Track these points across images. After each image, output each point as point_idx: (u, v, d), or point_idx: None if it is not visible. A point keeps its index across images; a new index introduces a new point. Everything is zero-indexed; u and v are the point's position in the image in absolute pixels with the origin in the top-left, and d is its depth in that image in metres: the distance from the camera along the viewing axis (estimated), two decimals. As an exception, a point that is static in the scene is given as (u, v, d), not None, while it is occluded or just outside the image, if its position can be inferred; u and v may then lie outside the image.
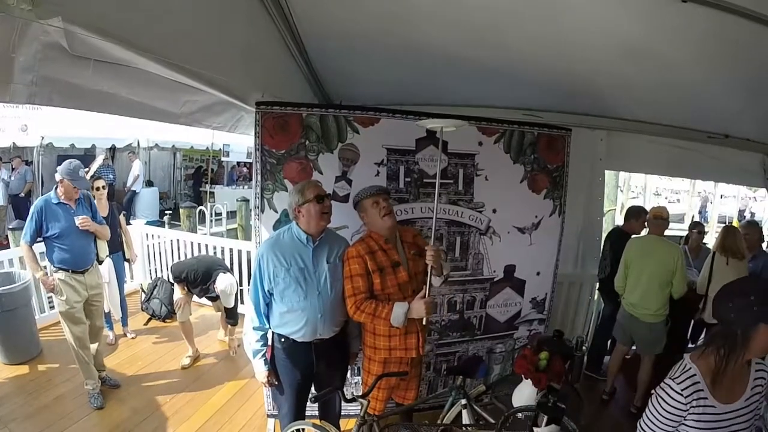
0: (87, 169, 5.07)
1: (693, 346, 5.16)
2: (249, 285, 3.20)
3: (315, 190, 2.58)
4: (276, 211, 3.15)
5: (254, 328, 2.68)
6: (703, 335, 4.76)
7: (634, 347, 4.38)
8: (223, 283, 4.39)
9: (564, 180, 3.79)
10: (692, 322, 4.73)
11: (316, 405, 3.02)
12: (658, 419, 1.69)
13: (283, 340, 2.68)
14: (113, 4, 2.08)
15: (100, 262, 4.23)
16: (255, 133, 3.06)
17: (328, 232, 2.72)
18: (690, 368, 1.68)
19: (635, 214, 4.74)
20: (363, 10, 3.24)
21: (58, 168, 3.72)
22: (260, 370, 2.71)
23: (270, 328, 2.71)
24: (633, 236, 4.58)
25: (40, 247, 3.90)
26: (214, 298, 4.65)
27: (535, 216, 3.72)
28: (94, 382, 3.89)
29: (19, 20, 1.84)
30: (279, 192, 3.12)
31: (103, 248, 4.23)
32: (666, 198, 20.44)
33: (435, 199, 2.68)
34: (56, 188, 3.74)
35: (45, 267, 3.83)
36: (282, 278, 2.56)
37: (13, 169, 10.14)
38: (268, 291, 2.61)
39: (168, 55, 2.43)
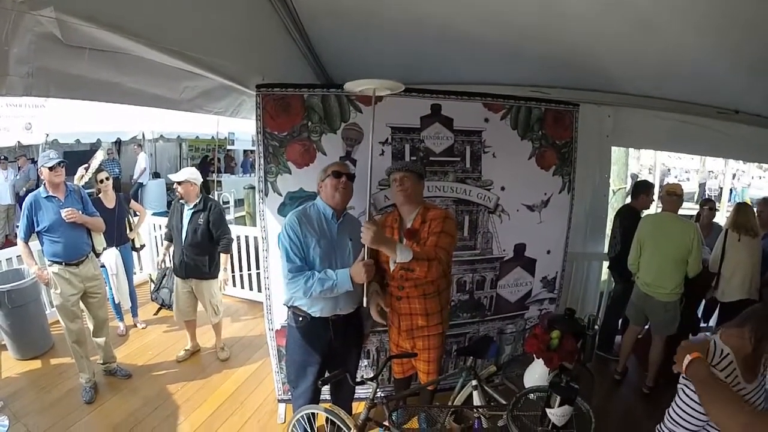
0: (87, 165, 5.02)
1: (705, 325, 5.12)
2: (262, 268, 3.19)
3: (334, 167, 2.68)
4: (280, 194, 3.12)
5: (294, 279, 2.57)
6: (716, 314, 4.70)
7: (646, 326, 4.33)
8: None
9: (573, 156, 3.73)
10: (704, 300, 4.66)
11: (329, 389, 3.02)
12: (695, 410, 1.64)
13: (300, 318, 2.68)
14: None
15: (98, 255, 4.19)
16: (256, 117, 3.04)
17: (348, 215, 2.81)
18: (728, 353, 1.63)
19: (643, 189, 4.68)
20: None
21: None
22: (353, 272, 2.52)
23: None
24: (646, 213, 4.52)
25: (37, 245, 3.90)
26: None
27: (544, 193, 3.66)
28: (88, 377, 3.90)
29: (12, 12, 1.81)
30: (282, 175, 3.09)
31: (99, 241, 4.17)
32: (675, 177, 20.27)
33: (369, 163, 2.47)
34: (44, 183, 3.73)
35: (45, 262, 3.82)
36: (312, 248, 2.59)
37: (19, 168, 10.17)
38: (301, 259, 2.59)
39: (163, 40, 2.40)
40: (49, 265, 3.75)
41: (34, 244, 3.86)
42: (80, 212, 3.79)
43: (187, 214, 4.23)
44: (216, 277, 4.47)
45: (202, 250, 4.27)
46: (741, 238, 3.97)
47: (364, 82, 2.36)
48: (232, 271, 5.80)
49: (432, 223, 2.66)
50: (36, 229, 3.67)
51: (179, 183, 4.16)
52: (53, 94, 2.63)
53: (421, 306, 2.79)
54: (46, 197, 3.68)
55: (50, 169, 3.64)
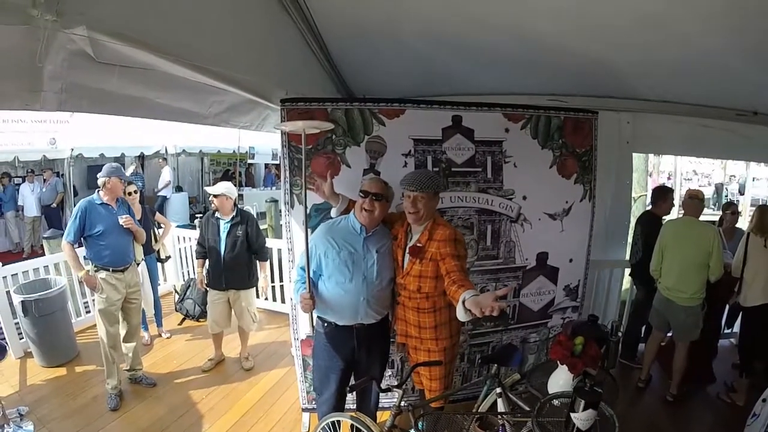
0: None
1: (729, 330, 5.05)
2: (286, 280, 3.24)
3: (365, 185, 2.72)
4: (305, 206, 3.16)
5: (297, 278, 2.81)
6: (738, 320, 4.64)
7: (669, 334, 4.30)
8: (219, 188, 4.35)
9: (593, 164, 3.72)
10: (727, 306, 4.61)
11: (354, 397, 3.05)
12: None
13: (326, 324, 2.76)
14: (135, 10, 2.13)
15: (137, 264, 4.34)
16: (281, 131, 3.08)
17: (380, 229, 2.81)
18: None
19: (662, 195, 4.62)
20: (379, 3, 3.24)
21: (100, 173, 3.87)
22: (301, 296, 2.67)
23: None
24: (667, 219, 4.48)
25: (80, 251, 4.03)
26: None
27: (566, 202, 3.66)
28: (115, 383, 3.98)
29: (45, 31, 1.88)
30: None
31: (139, 251, 4.39)
32: (698, 182, 19.99)
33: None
34: (98, 191, 3.89)
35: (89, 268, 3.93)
36: (332, 259, 2.66)
37: (44, 181, 10.39)
38: (314, 270, 2.71)
39: (189, 57, 2.47)
40: (96, 271, 3.87)
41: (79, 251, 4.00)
42: None
43: (224, 227, 4.30)
44: (254, 286, 4.59)
45: (241, 261, 4.37)
46: (766, 243, 3.88)
47: (298, 123, 2.63)
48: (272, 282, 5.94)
49: (440, 244, 2.57)
50: (87, 233, 3.81)
51: (215, 196, 4.25)
52: (85, 109, 2.74)
53: (414, 318, 2.76)
54: (101, 204, 3.87)
55: (123, 182, 3.95)
